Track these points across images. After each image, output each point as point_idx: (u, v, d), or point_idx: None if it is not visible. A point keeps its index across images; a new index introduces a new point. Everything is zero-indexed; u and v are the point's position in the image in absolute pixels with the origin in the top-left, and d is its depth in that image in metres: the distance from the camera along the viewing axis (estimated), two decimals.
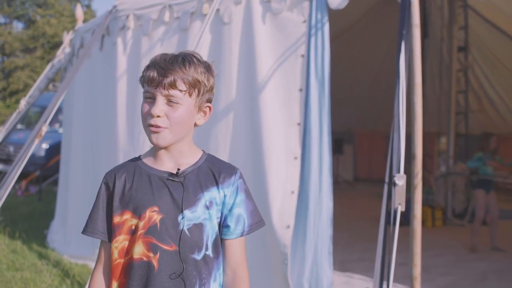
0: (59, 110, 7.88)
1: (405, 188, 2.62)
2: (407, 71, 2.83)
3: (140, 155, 1.50)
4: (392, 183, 2.62)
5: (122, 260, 1.40)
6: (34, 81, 19.30)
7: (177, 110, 1.36)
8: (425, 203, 7.07)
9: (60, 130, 9.98)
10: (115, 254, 1.40)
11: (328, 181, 3.40)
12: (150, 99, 1.37)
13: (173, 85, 1.34)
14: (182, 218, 1.37)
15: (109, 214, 1.43)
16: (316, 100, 3.39)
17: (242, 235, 1.47)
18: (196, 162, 1.44)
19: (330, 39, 3.43)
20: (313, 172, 3.39)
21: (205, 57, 3.78)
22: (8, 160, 10.63)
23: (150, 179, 1.41)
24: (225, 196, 1.43)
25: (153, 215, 1.37)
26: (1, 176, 8.67)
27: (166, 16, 4.04)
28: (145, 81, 1.37)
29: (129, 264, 1.39)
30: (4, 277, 4.24)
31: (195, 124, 1.45)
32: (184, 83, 1.36)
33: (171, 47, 4.04)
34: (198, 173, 1.43)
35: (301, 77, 3.45)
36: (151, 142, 1.38)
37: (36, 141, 4.06)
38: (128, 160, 1.51)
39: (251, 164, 3.57)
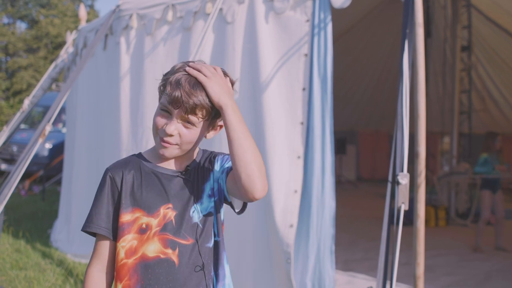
0: (62, 110, 7.90)
1: (408, 187, 2.62)
2: (410, 70, 2.83)
3: (140, 152, 1.51)
4: (395, 182, 2.62)
5: (128, 261, 1.39)
6: (38, 81, 19.34)
7: (191, 132, 1.39)
8: (428, 203, 7.06)
9: (64, 130, 10.01)
10: (122, 254, 1.39)
11: (331, 181, 3.40)
12: (166, 113, 1.38)
13: (192, 112, 1.36)
14: (194, 211, 1.43)
15: (115, 211, 1.42)
16: (319, 99, 3.39)
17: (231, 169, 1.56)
18: (195, 158, 1.51)
19: (333, 39, 3.43)
20: (316, 171, 3.39)
21: (208, 57, 3.82)
22: (11, 160, 10.67)
23: (159, 178, 1.43)
24: (211, 182, 1.50)
25: (167, 212, 1.40)
26: (4, 176, 8.70)
27: (169, 16, 4.04)
28: (168, 98, 1.36)
29: (139, 265, 1.38)
30: (8, 276, 4.25)
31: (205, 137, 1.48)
32: (203, 110, 1.38)
33: (174, 47, 4.05)
34: (198, 167, 1.50)
35: (304, 76, 3.45)
36: (158, 152, 1.42)
37: (40, 141, 4.08)
38: (130, 156, 1.50)
39: None
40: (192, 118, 1.37)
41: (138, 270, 1.38)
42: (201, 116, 1.38)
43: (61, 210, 6.27)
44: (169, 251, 1.38)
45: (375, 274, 2.84)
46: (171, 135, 1.37)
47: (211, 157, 1.53)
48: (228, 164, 1.47)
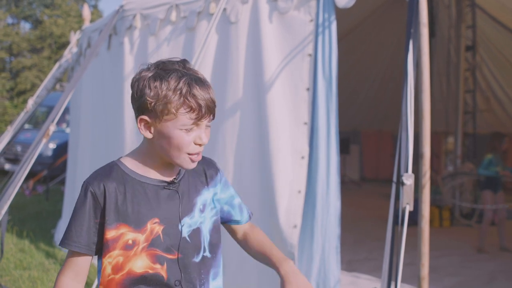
0: (66, 110, 7.92)
1: (413, 187, 2.61)
2: (415, 70, 2.82)
3: (119, 159, 1.39)
4: (400, 183, 2.61)
5: (115, 276, 1.33)
6: (41, 81, 19.38)
7: (208, 134, 1.37)
8: (432, 203, 7.03)
9: (67, 130, 10.03)
10: (108, 270, 1.33)
11: (336, 181, 3.39)
12: (187, 127, 1.30)
13: (215, 114, 1.35)
14: (183, 225, 1.37)
15: (100, 226, 1.32)
16: (324, 99, 3.38)
17: (250, 219, 1.59)
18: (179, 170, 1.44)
19: (337, 38, 3.42)
20: (321, 171, 3.38)
21: (212, 57, 3.82)
22: (15, 160, 10.70)
23: (145, 190, 1.34)
24: (215, 193, 1.47)
25: (154, 227, 1.33)
26: (8, 175, 8.72)
27: (173, 16, 4.04)
28: (188, 111, 1.28)
29: (127, 280, 1.32)
30: (12, 276, 4.26)
31: None
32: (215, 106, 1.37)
33: (178, 47, 4.04)
34: (188, 177, 1.43)
35: (309, 76, 3.44)
36: (186, 167, 1.35)
37: (44, 141, 4.08)
38: (110, 165, 1.38)
39: (258, 163, 3.57)
40: (212, 119, 1.35)
41: (126, 285, 1.32)
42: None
43: (65, 210, 6.29)
44: (158, 266, 1.33)
45: (379, 275, 2.83)
46: (204, 144, 1.32)
47: (204, 169, 1.47)
48: (231, 205, 1.52)
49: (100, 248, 1.34)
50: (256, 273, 3.61)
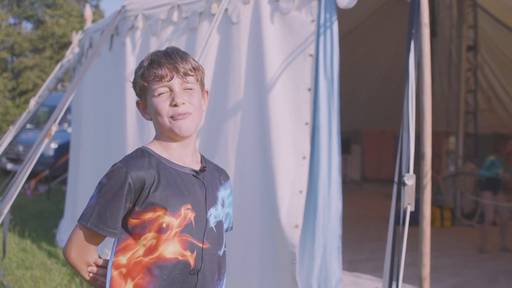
0: (68, 110, 7.93)
1: (414, 188, 2.61)
2: (416, 70, 2.82)
3: (148, 148, 1.43)
4: (401, 183, 2.61)
5: (144, 259, 1.33)
6: (43, 81, 19.41)
7: (194, 95, 1.42)
8: (433, 203, 7.02)
9: (69, 130, 10.04)
10: (140, 252, 1.34)
11: (337, 181, 3.40)
12: (162, 94, 1.39)
13: (186, 73, 1.40)
14: (210, 215, 1.41)
15: (131, 211, 1.35)
16: (325, 100, 3.39)
17: (226, 230, 1.58)
18: (202, 161, 1.50)
19: (338, 39, 3.42)
20: (322, 171, 3.38)
21: (213, 57, 3.83)
22: (17, 160, 10.72)
23: (178, 176, 1.39)
24: (223, 197, 1.53)
25: (187, 213, 1.37)
26: (10, 175, 8.74)
27: (175, 16, 4.05)
28: (153, 78, 1.38)
29: (155, 265, 1.33)
30: (14, 276, 4.27)
31: None
32: (192, 69, 1.42)
33: (179, 47, 4.03)
34: (209, 172, 1.49)
35: (310, 77, 3.44)
36: (180, 133, 1.38)
37: (46, 141, 4.09)
38: (139, 151, 1.41)
39: (259, 163, 3.57)
40: (190, 79, 1.40)
41: (153, 270, 1.33)
42: (194, 75, 1.42)
43: (66, 209, 6.30)
44: (188, 253, 1.35)
45: (380, 275, 2.83)
46: (183, 104, 1.38)
47: (218, 171, 1.55)
48: (230, 216, 1.58)
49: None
50: (257, 273, 3.62)
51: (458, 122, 7.88)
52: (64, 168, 8.97)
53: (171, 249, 1.33)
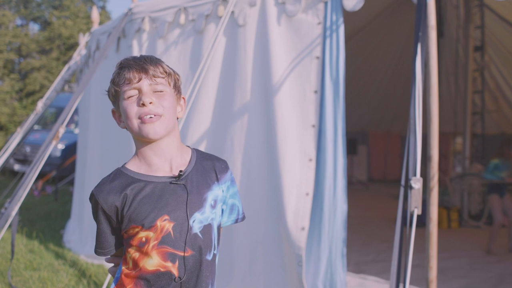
0: (75, 111, 7.96)
1: (421, 191, 2.61)
2: (423, 73, 2.81)
3: (125, 167, 1.42)
4: (408, 186, 2.60)
5: (132, 272, 1.38)
6: (50, 82, 19.52)
7: (165, 97, 1.39)
8: (440, 204, 7.00)
9: (76, 131, 10.09)
10: (130, 264, 1.39)
11: (343, 183, 3.40)
12: (132, 97, 1.38)
13: (155, 75, 1.39)
14: (194, 221, 1.37)
15: (115, 230, 1.42)
16: (331, 102, 3.39)
17: (236, 221, 1.56)
18: (191, 161, 1.45)
19: (345, 40, 3.42)
20: (328, 174, 3.38)
21: (220, 59, 3.84)
22: (25, 160, 10.79)
23: (152, 189, 1.36)
24: (223, 191, 1.49)
25: (164, 224, 1.34)
26: (18, 176, 8.79)
27: (182, 19, 4.06)
28: (123, 82, 1.38)
29: (140, 277, 1.36)
30: (22, 277, 4.30)
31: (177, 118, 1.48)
32: (163, 72, 1.41)
33: (186, 49, 4.06)
34: (197, 172, 1.44)
35: (316, 79, 3.44)
36: (147, 135, 1.36)
37: (53, 143, 4.12)
38: (112, 174, 1.42)
39: (266, 165, 3.58)
40: (159, 80, 1.39)
41: (140, 282, 1.36)
42: (164, 76, 1.40)
43: (73, 210, 6.33)
44: (169, 264, 1.34)
45: (387, 277, 2.84)
46: (150, 103, 1.35)
47: (214, 165, 1.49)
48: (225, 203, 1.51)
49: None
50: (263, 275, 3.62)
51: (465, 122, 7.85)
52: (71, 169, 9.03)
53: (151, 262, 1.35)
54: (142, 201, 1.34)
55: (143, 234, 1.34)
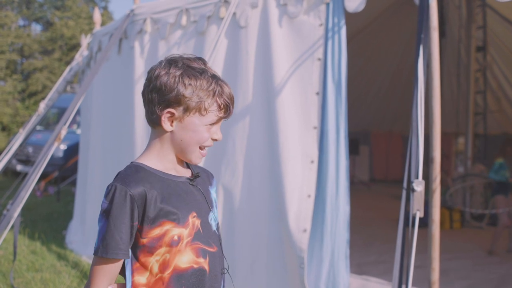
0: (77, 111, 7.98)
1: (423, 194, 2.60)
2: (425, 75, 2.81)
3: (139, 163, 1.38)
4: (410, 189, 2.60)
5: (163, 275, 1.33)
6: (52, 82, 19.53)
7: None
8: (442, 204, 6.99)
9: (78, 131, 10.10)
10: (155, 268, 1.33)
11: (345, 185, 3.40)
12: (212, 124, 1.40)
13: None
14: (211, 219, 1.45)
15: (140, 229, 1.33)
16: (333, 104, 3.39)
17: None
18: (189, 167, 1.51)
19: (346, 42, 3.42)
20: (330, 176, 3.38)
21: (221, 61, 3.84)
22: (27, 161, 10.80)
23: (177, 186, 1.39)
24: (215, 198, 1.56)
25: (194, 220, 1.38)
26: (20, 177, 8.81)
27: (183, 20, 4.06)
28: (222, 108, 1.39)
29: (173, 277, 1.33)
30: (24, 278, 4.31)
31: None
32: None
33: (188, 51, 4.07)
34: (200, 177, 1.51)
35: (318, 81, 3.44)
36: (194, 163, 1.44)
37: (56, 144, 4.13)
38: (133, 168, 1.37)
39: (267, 167, 3.58)
40: None
41: (172, 282, 1.33)
42: None
43: (76, 211, 6.34)
44: (201, 260, 1.37)
45: (389, 278, 2.83)
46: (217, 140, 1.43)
47: (205, 172, 1.57)
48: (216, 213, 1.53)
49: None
50: (265, 277, 3.62)
51: (467, 122, 7.84)
52: (74, 169, 9.03)
53: (185, 259, 1.35)
54: (172, 197, 1.35)
55: (175, 232, 1.33)
